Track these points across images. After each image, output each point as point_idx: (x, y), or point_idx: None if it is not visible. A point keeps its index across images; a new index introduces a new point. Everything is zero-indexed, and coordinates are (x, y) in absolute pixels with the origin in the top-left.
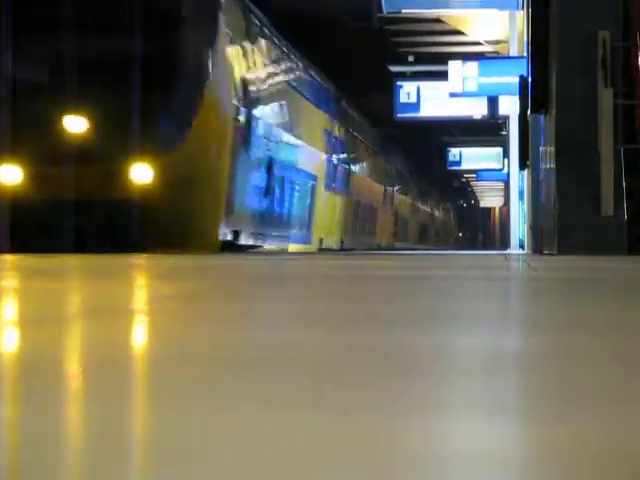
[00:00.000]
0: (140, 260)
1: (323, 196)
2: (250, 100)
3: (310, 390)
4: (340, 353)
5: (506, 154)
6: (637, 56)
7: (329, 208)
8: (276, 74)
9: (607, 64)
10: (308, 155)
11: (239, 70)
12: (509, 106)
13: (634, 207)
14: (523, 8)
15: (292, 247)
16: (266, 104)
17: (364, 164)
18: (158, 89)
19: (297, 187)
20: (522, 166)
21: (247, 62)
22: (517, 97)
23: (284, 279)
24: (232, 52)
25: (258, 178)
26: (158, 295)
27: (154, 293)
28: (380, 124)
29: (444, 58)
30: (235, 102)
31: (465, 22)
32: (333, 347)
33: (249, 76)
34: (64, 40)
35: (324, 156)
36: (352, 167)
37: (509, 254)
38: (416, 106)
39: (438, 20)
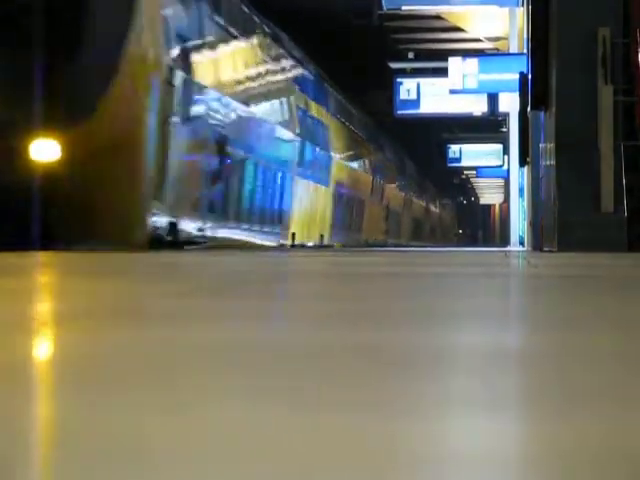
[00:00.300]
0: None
1: (296, 185)
2: (188, 61)
3: (310, 390)
4: (337, 352)
5: (506, 151)
6: (637, 53)
7: (304, 199)
8: (226, 28)
9: (607, 61)
10: (276, 135)
11: (174, 20)
12: (509, 103)
13: (634, 204)
14: (523, 5)
15: (255, 243)
16: (213, 67)
17: (349, 151)
18: (63, 46)
19: (260, 172)
20: (522, 163)
21: (185, 10)
22: (517, 94)
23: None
24: None
25: (204, 159)
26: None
27: None
28: (380, 120)
29: (444, 55)
30: (168, 62)
31: (465, 19)
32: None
33: (188, 30)
34: None
35: (298, 138)
36: (334, 154)
37: (509, 251)
38: (416, 103)
39: (438, 17)
